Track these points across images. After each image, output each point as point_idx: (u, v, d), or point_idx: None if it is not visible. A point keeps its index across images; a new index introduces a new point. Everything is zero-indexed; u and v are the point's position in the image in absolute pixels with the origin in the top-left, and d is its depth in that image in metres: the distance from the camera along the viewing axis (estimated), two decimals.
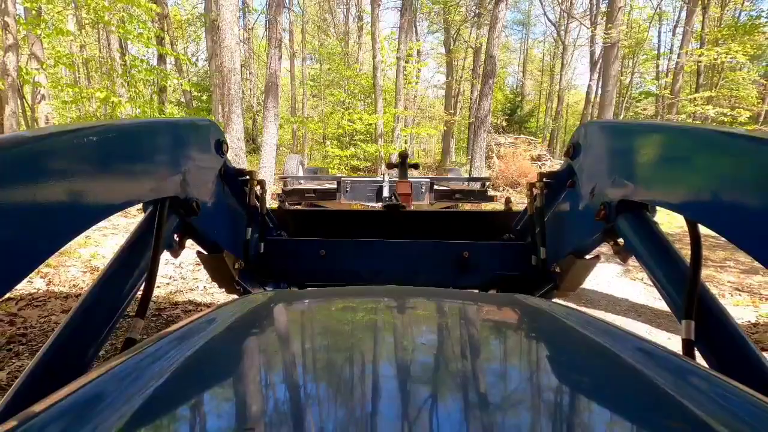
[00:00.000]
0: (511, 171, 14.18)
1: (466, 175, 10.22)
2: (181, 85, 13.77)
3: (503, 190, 13.49)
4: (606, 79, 16.28)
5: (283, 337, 0.64)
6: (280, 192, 4.45)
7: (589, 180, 1.21)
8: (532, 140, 17.22)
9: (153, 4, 9.09)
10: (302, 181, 5.10)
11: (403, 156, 2.57)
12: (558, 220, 1.47)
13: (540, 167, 14.65)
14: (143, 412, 0.38)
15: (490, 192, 4.73)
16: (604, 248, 1.24)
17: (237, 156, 8.50)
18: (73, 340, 0.74)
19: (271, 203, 2.65)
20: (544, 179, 1.51)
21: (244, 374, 0.50)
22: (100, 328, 0.78)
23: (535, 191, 1.52)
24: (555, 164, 15.98)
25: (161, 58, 13.33)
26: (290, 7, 18.15)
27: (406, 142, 17.37)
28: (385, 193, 4.25)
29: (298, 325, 0.73)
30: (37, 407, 0.38)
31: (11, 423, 0.35)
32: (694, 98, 15.93)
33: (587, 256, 1.41)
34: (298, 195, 4.37)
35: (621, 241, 1.11)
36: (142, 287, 0.92)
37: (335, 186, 4.38)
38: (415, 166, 2.54)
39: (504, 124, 22.90)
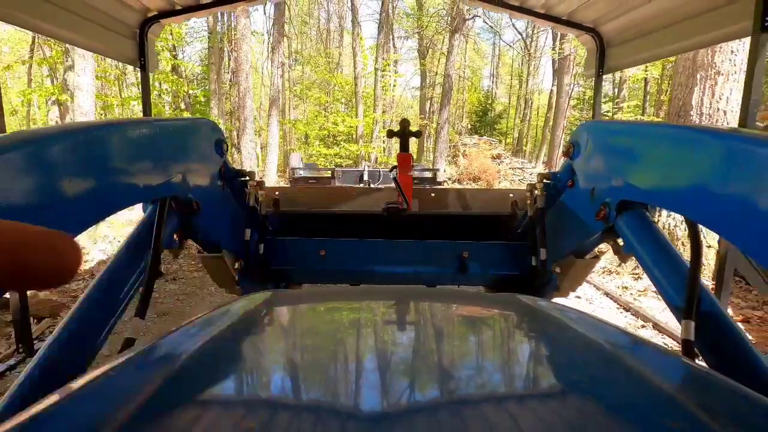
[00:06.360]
0: (474, 167, 16.67)
1: None
2: (197, 95, 15.92)
3: (467, 183, 15.93)
4: (560, 87, 18.61)
5: (282, 338, 0.64)
6: (290, 179, 6.88)
7: (589, 180, 1.20)
8: (492, 141, 19.78)
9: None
10: (302, 172, 7.33)
11: (405, 124, 2.31)
12: (558, 221, 1.45)
13: (498, 164, 17.29)
14: (142, 411, 0.38)
15: (439, 179, 7.15)
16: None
17: (249, 154, 10.89)
18: (72, 340, 0.74)
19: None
20: (544, 180, 1.49)
21: (243, 374, 0.50)
22: (100, 327, 0.79)
23: (536, 192, 1.50)
24: (513, 162, 18.57)
25: (174, 69, 15.31)
26: (289, 35, 20.10)
27: (384, 143, 19.48)
28: (365, 177, 6.68)
29: (298, 326, 0.72)
30: (37, 407, 0.38)
31: (11, 423, 0.35)
32: (629, 106, 18.34)
33: (587, 256, 1.42)
34: (304, 181, 6.67)
35: (621, 241, 1.10)
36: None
37: (330, 174, 6.70)
38: (417, 134, 2.40)
39: (469, 126, 25.27)
